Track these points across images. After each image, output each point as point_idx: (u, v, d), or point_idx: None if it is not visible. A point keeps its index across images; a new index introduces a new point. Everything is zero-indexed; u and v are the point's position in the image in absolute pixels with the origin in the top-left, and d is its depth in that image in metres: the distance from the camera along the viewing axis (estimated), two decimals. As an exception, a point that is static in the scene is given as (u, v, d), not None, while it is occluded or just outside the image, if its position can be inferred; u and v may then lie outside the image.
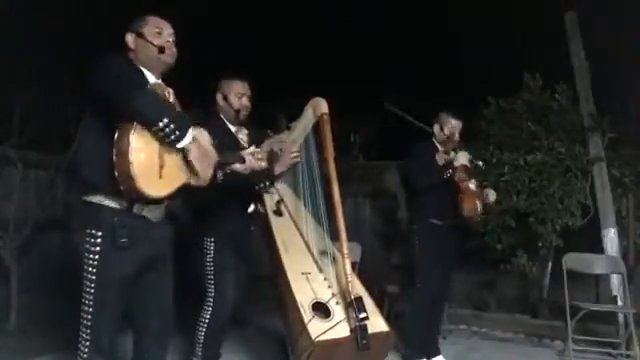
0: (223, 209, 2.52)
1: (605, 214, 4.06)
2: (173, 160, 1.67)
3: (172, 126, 1.57)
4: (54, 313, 3.59)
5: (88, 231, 1.70)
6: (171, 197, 1.73)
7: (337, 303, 2.38)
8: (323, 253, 2.63)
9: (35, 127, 3.88)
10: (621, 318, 3.79)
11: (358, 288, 2.45)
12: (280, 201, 2.82)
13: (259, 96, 2.69)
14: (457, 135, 3.28)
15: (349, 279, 2.33)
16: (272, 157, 2.42)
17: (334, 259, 2.57)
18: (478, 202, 3.12)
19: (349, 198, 5.12)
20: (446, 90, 4.84)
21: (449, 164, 3.13)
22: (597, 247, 4.01)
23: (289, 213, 2.83)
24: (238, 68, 2.68)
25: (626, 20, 4.23)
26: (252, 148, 2.15)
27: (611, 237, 4.01)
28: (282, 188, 2.90)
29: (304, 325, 2.21)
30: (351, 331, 2.25)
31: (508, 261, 4.26)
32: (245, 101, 2.60)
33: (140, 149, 1.55)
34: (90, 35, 4.08)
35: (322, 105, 2.51)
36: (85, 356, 1.73)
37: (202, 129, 1.76)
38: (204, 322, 2.55)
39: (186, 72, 2.11)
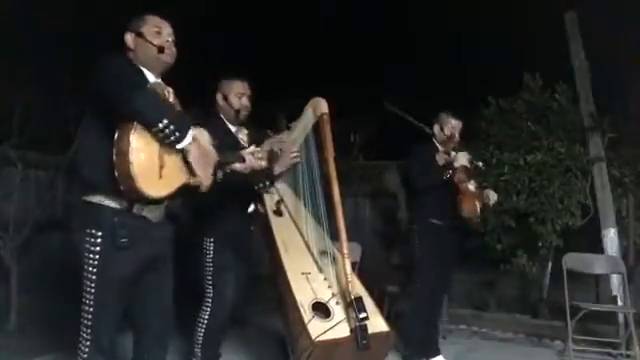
0: (223, 209, 2.52)
1: (605, 214, 4.06)
2: (173, 160, 1.66)
3: (172, 127, 1.57)
4: (54, 313, 3.59)
5: (88, 231, 1.70)
6: (171, 197, 1.73)
7: (337, 303, 2.38)
8: (323, 253, 2.63)
9: (35, 127, 3.88)
10: (621, 318, 3.79)
11: (358, 288, 2.45)
12: (280, 201, 2.82)
13: (259, 96, 2.69)
14: (457, 135, 3.28)
15: (349, 279, 2.33)
16: (272, 157, 2.42)
17: (334, 259, 2.57)
18: (477, 203, 3.13)
19: (349, 198, 5.12)
20: (446, 90, 4.84)
21: (449, 164, 3.13)
22: (597, 247, 4.01)
23: (289, 213, 2.83)
24: (238, 68, 2.68)
25: (626, 20, 4.23)
26: (252, 147, 2.15)
27: (611, 237, 4.01)
28: (282, 188, 2.90)
29: (304, 325, 2.20)
30: (351, 331, 2.24)
31: (508, 261, 4.26)
32: (245, 101, 2.60)
33: (140, 149, 1.55)
34: (90, 35, 4.08)
35: (322, 105, 2.51)
36: (85, 356, 1.73)
37: (202, 129, 1.75)
38: (203, 322, 2.55)
39: (186, 72, 2.11)
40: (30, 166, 4.13)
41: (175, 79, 1.91)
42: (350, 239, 2.53)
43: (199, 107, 2.24)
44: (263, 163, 2.14)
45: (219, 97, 2.62)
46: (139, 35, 1.83)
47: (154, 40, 1.82)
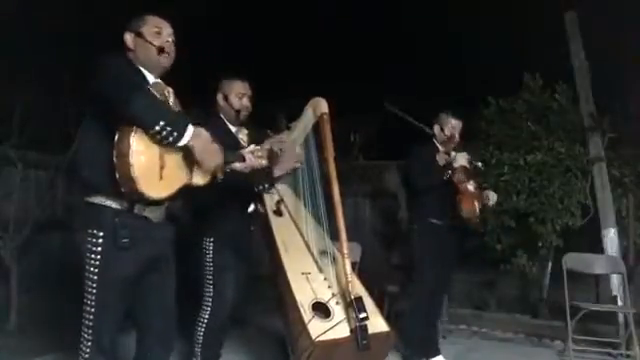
0: (223, 209, 2.52)
1: (605, 214, 4.06)
2: (174, 160, 1.67)
3: (169, 128, 1.57)
4: (54, 313, 3.60)
5: (90, 231, 1.70)
6: (172, 198, 1.73)
7: (337, 303, 2.38)
8: (323, 253, 2.63)
9: (35, 127, 3.88)
10: (621, 318, 3.79)
11: (358, 288, 2.45)
12: (280, 201, 2.82)
13: (259, 96, 2.68)
14: (457, 135, 3.28)
15: (349, 279, 2.33)
16: (272, 156, 2.42)
17: (334, 259, 2.57)
18: (477, 203, 3.13)
19: (349, 198, 5.12)
20: (446, 90, 4.85)
21: (449, 165, 3.13)
22: (597, 247, 4.01)
23: (289, 213, 2.84)
24: (237, 68, 2.68)
25: (626, 20, 4.23)
26: (252, 146, 2.14)
27: (611, 237, 4.01)
28: (282, 188, 2.90)
29: (304, 325, 2.21)
30: (351, 331, 2.24)
31: (508, 261, 4.26)
32: (246, 101, 2.60)
33: (141, 151, 1.56)
34: (90, 35, 4.07)
35: (322, 105, 2.51)
36: (87, 356, 1.73)
37: (202, 129, 1.75)
38: (203, 322, 2.55)
39: (185, 72, 2.11)
40: (30, 166, 4.13)
41: (175, 79, 1.91)
42: (350, 239, 2.53)
43: (199, 107, 2.25)
44: (263, 162, 2.13)
45: (219, 97, 2.62)
46: (139, 35, 1.82)
47: (154, 40, 1.82)
